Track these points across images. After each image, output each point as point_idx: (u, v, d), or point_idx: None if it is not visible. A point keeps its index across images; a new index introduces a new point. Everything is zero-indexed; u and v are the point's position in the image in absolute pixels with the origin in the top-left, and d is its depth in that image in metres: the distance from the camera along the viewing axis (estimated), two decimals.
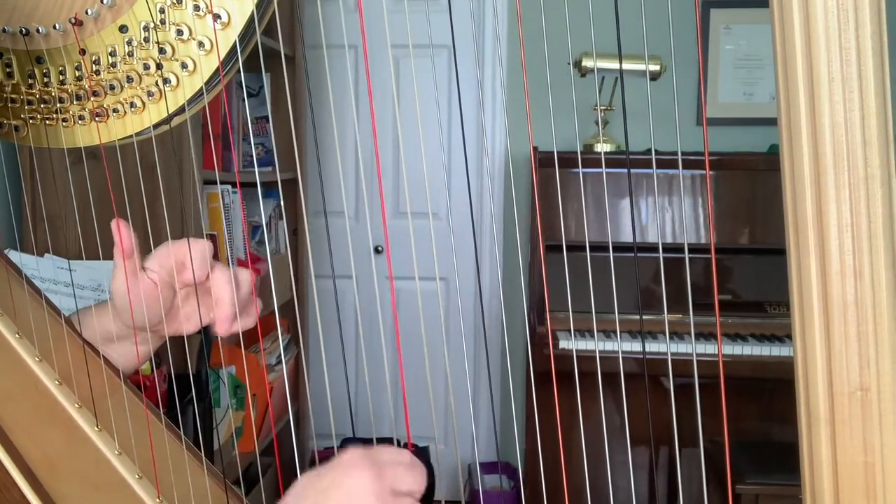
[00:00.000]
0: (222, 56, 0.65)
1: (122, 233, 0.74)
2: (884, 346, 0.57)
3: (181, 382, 1.86)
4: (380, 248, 3.15)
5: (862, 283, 0.56)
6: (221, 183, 2.22)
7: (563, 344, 2.45)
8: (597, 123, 2.78)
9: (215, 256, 0.77)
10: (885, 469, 0.57)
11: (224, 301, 0.76)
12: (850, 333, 0.57)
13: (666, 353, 2.36)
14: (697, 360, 2.36)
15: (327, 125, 3.22)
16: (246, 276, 0.79)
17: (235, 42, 0.66)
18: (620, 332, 2.51)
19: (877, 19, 0.54)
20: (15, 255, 1.64)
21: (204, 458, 0.70)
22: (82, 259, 1.73)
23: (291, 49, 2.87)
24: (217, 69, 0.66)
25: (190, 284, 0.77)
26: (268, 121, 2.80)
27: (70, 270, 1.70)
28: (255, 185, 2.68)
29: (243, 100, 2.62)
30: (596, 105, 2.74)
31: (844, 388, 0.57)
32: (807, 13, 0.55)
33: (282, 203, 2.83)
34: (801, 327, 0.58)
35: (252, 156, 2.74)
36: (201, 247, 0.76)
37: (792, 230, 0.58)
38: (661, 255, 2.40)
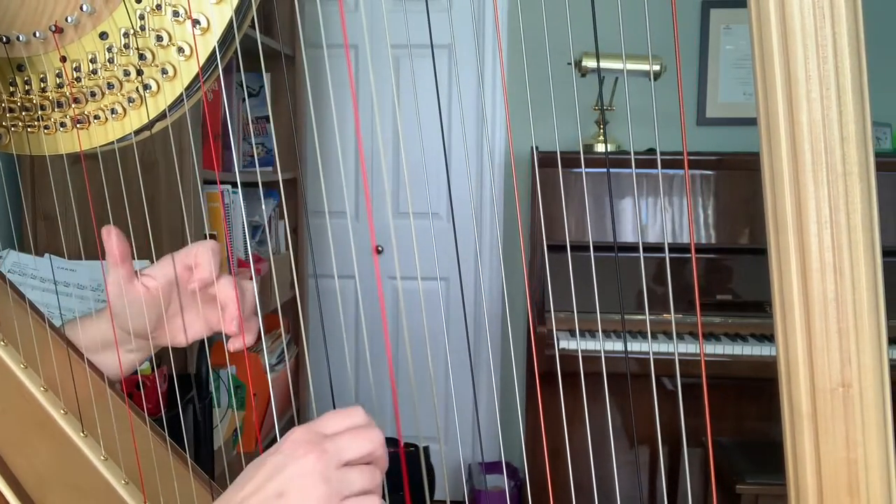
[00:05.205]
0: (202, 61, 0.65)
1: (114, 240, 0.73)
2: (865, 342, 0.56)
3: (182, 382, 1.86)
4: (380, 248, 3.15)
5: (842, 280, 0.56)
6: (222, 183, 2.22)
7: (562, 344, 2.44)
8: (597, 123, 2.78)
9: None
10: (868, 465, 0.57)
11: (230, 304, 0.76)
12: (830, 330, 0.57)
13: (658, 354, 2.35)
14: (698, 361, 2.35)
15: (327, 125, 3.22)
16: (251, 286, 0.78)
17: (215, 47, 0.66)
18: (618, 332, 2.50)
19: (853, 16, 0.54)
20: (14, 256, 1.65)
21: (190, 460, 0.70)
22: (82, 259, 1.73)
23: (291, 49, 2.88)
24: (197, 74, 0.67)
25: (206, 283, 0.76)
26: (268, 121, 2.80)
27: (69, 270, 1.70)
28: (255, 184, 2.68)
29: (243, 100, 2.62)
30: (595, 105, 2.74)
31: (826, 384, 0.57)
32: (783, 11, 0.55)
33: (283, 203, 2.83)
34: (782, 324, 0.58)
35: (252, 156, 2.74)
36: (214, 247, 0.75)
37: (772, 228, 0.58)
38: (640, 254, 2.39)
